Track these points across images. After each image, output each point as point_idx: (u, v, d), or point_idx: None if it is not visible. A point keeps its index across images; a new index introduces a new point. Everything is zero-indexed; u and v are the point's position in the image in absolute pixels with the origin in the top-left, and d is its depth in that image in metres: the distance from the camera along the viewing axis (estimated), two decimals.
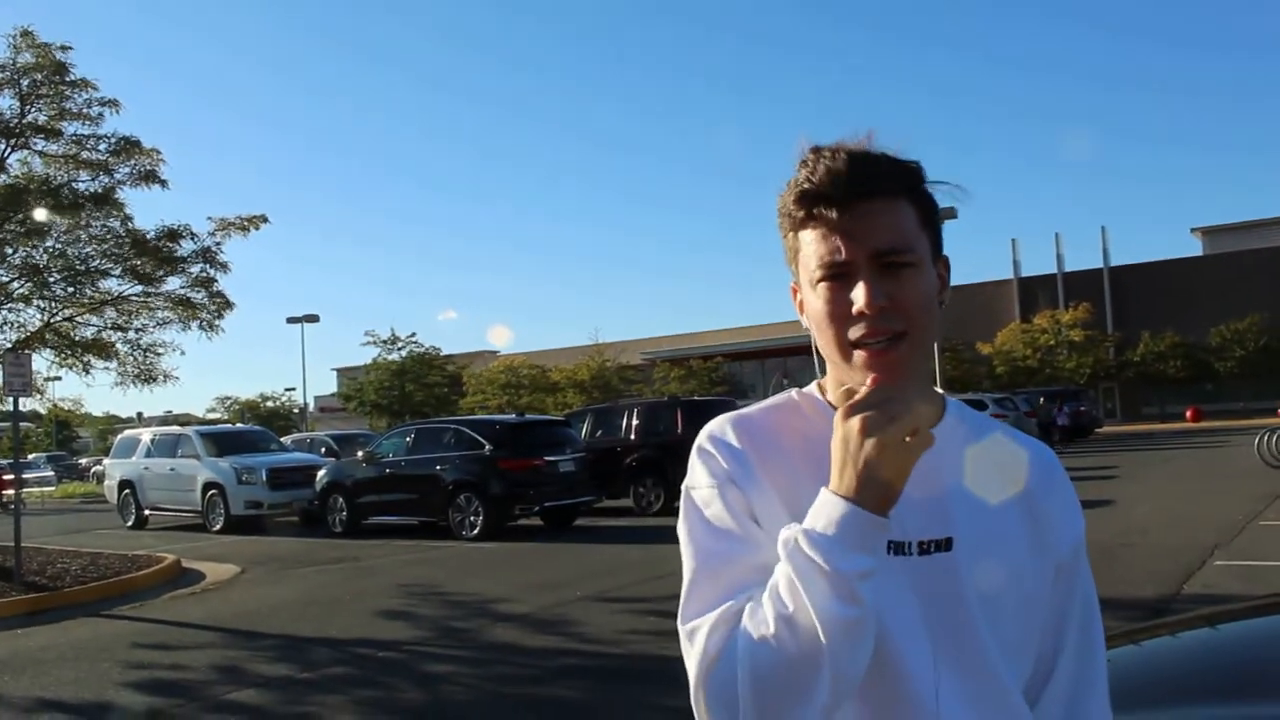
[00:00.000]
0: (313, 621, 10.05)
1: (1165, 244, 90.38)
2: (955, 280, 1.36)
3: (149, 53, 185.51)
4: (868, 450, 1.08)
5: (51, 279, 15.37)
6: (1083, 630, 1.33)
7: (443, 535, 16.70)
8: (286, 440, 28.34)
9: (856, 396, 1.11)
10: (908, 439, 1.08)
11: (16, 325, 15.36)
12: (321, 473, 19.81)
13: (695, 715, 1.16)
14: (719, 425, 1.32)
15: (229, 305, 16.44)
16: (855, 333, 1.18)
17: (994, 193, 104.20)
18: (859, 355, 1.19)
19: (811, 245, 1.22)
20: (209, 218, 16.01)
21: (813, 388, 1.36)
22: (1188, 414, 49.33)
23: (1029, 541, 1.27)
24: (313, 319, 52.02)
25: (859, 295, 1.17)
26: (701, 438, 1.32)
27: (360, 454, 19.35)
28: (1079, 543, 1.34)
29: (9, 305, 15.16)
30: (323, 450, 25.99)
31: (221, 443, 21.79)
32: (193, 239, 15.88)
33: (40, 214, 14.70)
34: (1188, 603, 8.49)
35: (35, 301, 15.41)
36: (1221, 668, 2.59)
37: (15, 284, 15.21)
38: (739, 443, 1.28)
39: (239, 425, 32.05)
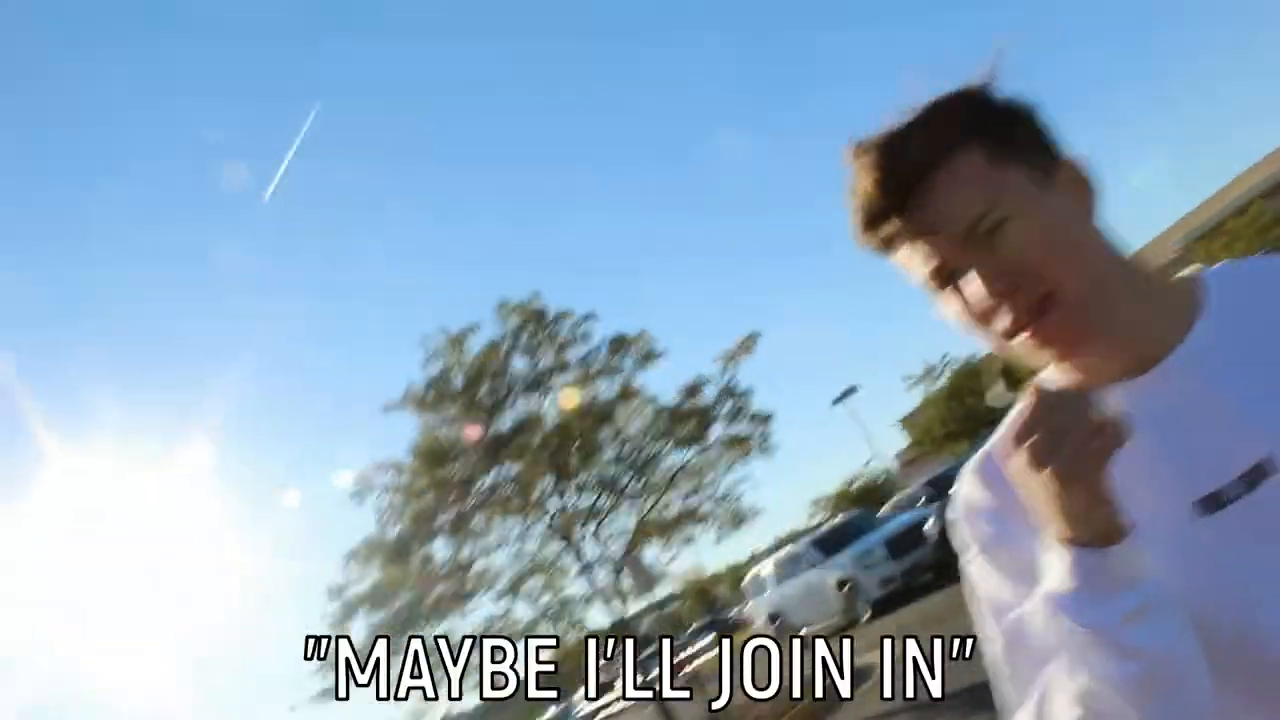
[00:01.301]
0: None
1: None
2: None
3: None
4: (1047, 486, 0.88)
5: (624, 483, 16.78)
6: None
7: None
8: (886, 509, 28.56)
9: (1017, 416, 0.92)
10: (1091, 446, 0.86)
11: (621, 533, 16.87)
12: (930, 522, 19.59)
13: None
14: (964, 480, 1.16)
15: (769, 420, 16.98)
16: (1002, 323, 1.01)
17: None
18: (1022, 340, 1.01)
19: (905, 265, 1.07)
20: (714, 359, 16.83)
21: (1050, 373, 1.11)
22: None
23: None
24: (852, 391, 52.93)
25: (976, 292, 1.00)
26: (954, 498, 1.17)
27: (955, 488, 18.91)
28: None
29: (604, 522, 16.70)
30: (921, 501, 25.79)
31: (833, 540, 22.52)
32: (712, 384, 16.75)
33: (590, 436, 16.21)
34: None
35: (622, 506, 16.87)
36: None
37: (600, 501, 16.78)
38: (986, 497, 1.11)
39: (839, 518, 32.96)
